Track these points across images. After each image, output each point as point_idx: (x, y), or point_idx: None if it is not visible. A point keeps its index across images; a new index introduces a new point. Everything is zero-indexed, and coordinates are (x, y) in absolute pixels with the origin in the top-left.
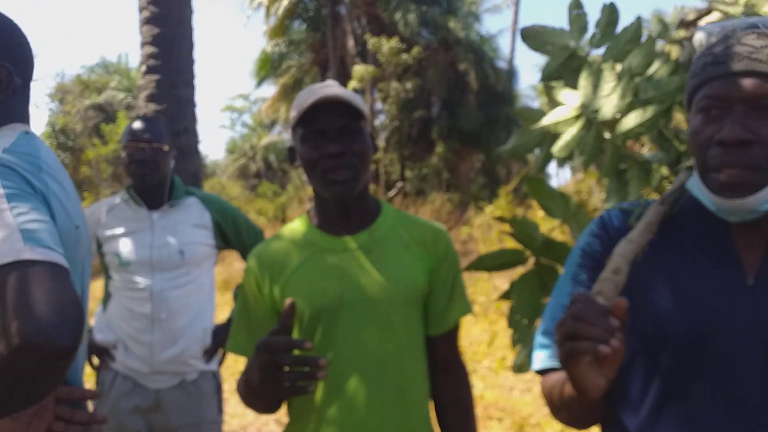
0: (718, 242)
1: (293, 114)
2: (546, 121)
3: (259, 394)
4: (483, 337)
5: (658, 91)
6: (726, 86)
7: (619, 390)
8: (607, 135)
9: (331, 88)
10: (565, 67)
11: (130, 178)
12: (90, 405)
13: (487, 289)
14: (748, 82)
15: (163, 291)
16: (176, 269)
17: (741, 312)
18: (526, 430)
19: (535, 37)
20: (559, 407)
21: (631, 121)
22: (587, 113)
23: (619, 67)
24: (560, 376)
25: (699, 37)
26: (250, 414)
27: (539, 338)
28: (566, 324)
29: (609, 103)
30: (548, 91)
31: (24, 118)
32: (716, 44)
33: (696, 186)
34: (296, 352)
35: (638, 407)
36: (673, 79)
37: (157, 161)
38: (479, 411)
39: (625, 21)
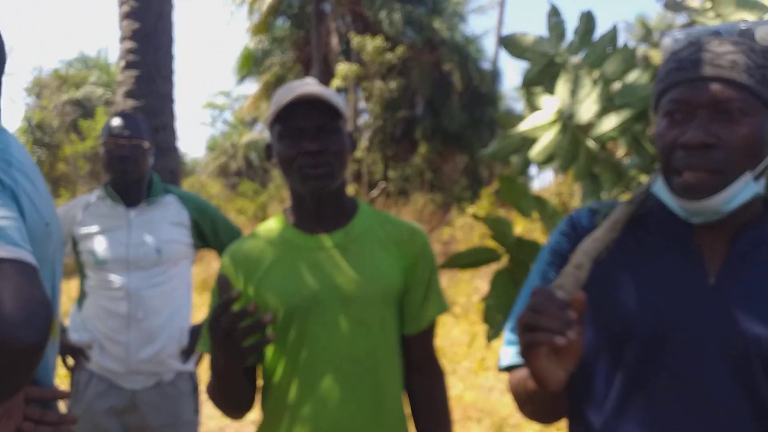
0: (681, 242)
1: (271, 110)
2: (524, 126)
3: (226, 380)
4: (463, 338)
5: (633, 97)
6: (689, 91)
7: (584, 386)
8: (583, 139)
9: (309, 86)
10: (544, 73)
11: (109, 175)
12: (63, 406)
13: (468, 290)
14: (710, 87)
15: (139, 290)
16: (153, 268)
17: (702, 311)
18: (505, 431)
19: (515, 45)
20: (524, 401)
21: (605, 125)
22: (563, 118)
23: (596, 73)
24: (526, 371)
25: (666, 43)
26: (218, 420)
27: (507, 335)
28: (525, 316)
29: (584, 108)
30: (528, 97)
31: None
32: (681, 50)
33: (661, 188)
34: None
35: (602, 403)
36: (647, 84)
37: (137, 158)
38: (459, 412)
39: (609, 25)
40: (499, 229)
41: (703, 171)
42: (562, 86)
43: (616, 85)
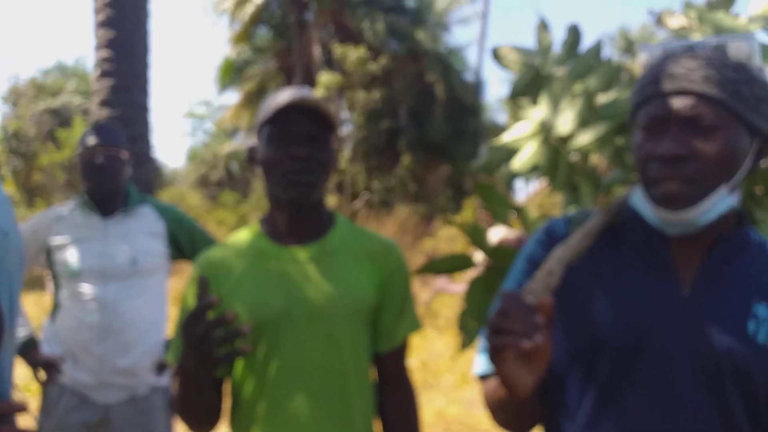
0: (656, 253)
1: (264, 111)
2: (507, 137)
3: (193, 388)
4: (446, 351)
5: (614, 110)
6: (664, 105)
7: (557, 397)
8: (563, 151)
9: (304, 92)
10: (531, 85)
11: (86, 185)
12: (27, 421)
13: (451, 303)
14: (683, 101)
15: (114, 301)
16: (128, 279)
17: (675, 322)
18: None
19: (505, 57)
20: (496, 409)
21: (584, 137)
22: (544, 129)
23: (580, 86)
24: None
25: (642, 57)
26: None
27: (482, 342)
28: (493, 319)
29: (564, 120)
30: (513, 109)
31: None
32: (656, 65)
33: (638, 199)
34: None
35: (575, 414)
36: (627, 99)
37: (114, 168)
38: (441, 426)
39: (591, 37)
40: (475, 236)
41: (679, 182)
42: (545, 98)
43: (600, 99)
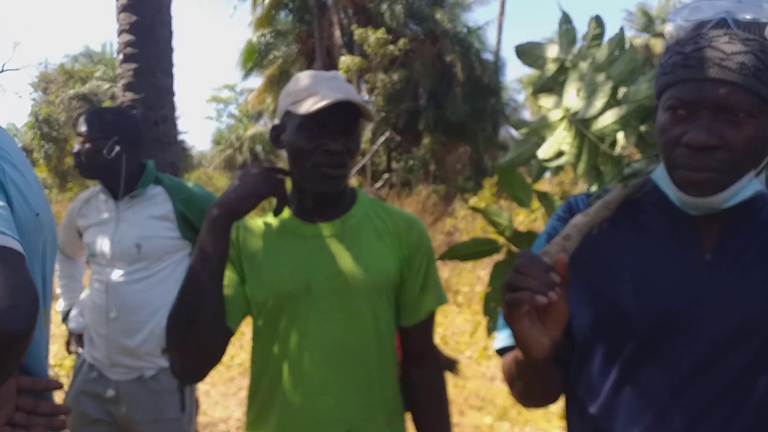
0: (677, 221)
1: (295, 98)
2: (533, 125)
3: (215, 240)
4: (466, 327)
5: (636, 96)
6: (695, 91)
7: (580, 371)
8: (587, 134)
9: (341, 84)
10: (555, 79)
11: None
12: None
13: (471, 280)
14: (717, 90)
15: (118, 285)
16: (133, 263)
17: (701, 287)
18: (507, 419)
19: (528, 53)
20: (513, 379)
21: (608, 118)
22: (569, 115)
23: (603, 76)
24: (516, 349)
25: (669, 30)
26: (222, 410)
27: (500, 318)
28: (508, 277)
29: (588, 103)
30: (537, 105)
31: None
32: (687, 41)
33: (661, 177)
34: None
35: (598, 390)
36: (650, 85)
37: (88, 155)
38: (460, 400)
39: (610, 13)
40: (496, 220)
41: (706, 170)
42: (569, 86)
43: (623, 89)
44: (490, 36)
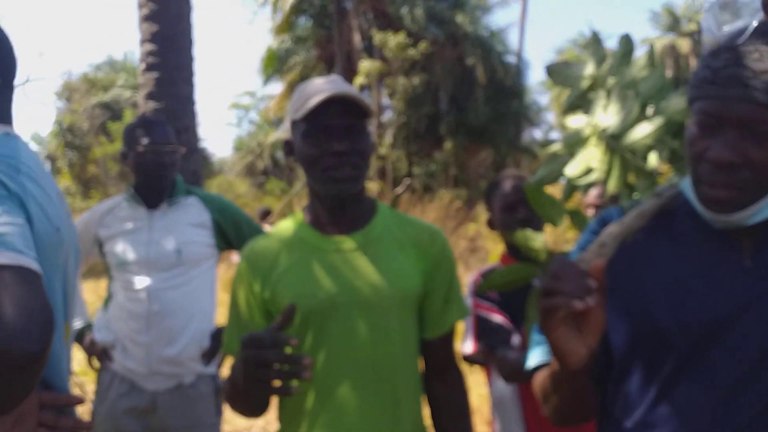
0: (713, 231)
1: (296, 107)
2: (561, 143)
3: (242, 394)
4: None
5: (667, 112)
6: (721, 108)
7: (617, 387)
8: (618, 149)
9: (336, 83)
10: (584, 97)
11: (143, 179)
12: (89, 406)
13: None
14: (741, 108)
15: (159, 291)
16: (173, 269)
17: (741, 295)
18: None
19: (559, 72)
20: (549, 394)
21: (639, 132)
22: (598, 131)
23: (632, 93)
24: (550, 366)
25: (705, 40)
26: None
27: (534, 336)
28: (545, 283)
29: (618, 119)
30: (565, 123)
31: (5, 119)
32: (718, 54)
33: (688, 188)
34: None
35: (634, 407)
36: (681, 99)
37: (175, 164)
38: (476, 416)
39: (634, 13)
40: (530, 245)
41: (727, 188)
42: (598, 103)
43: (650, 108)
44: (512, 38)
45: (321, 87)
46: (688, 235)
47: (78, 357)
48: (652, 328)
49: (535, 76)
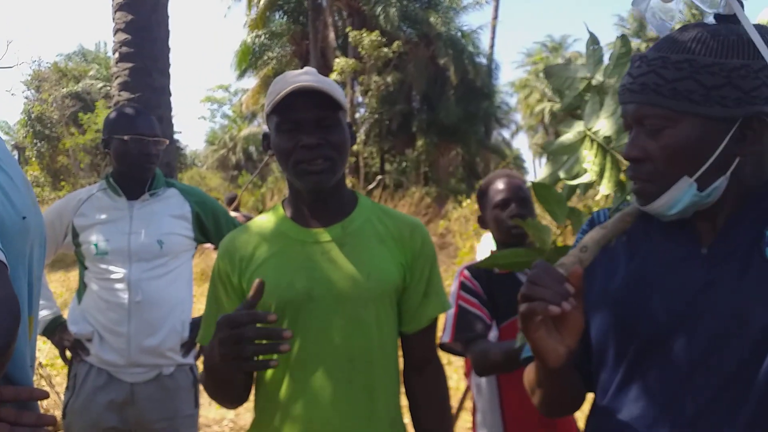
0: (678, 224)
1: (268, 101)
2: (554, 145)
3: (221, 380)
4: None
5: None
6: (624, 110)
7: (596, 377)
8: (609, 151)
9: (308, 75)
10: (581, 98)
11: (127, 169)
12: (60, 397)
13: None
14: (629, 109)
15: (140, 281)
16: (154, 259)
17: (695, 282)
18: None
19: (557, 75)
20: (534, 387)
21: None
22: (590, 134)
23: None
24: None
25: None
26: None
27: None
28: (524, 287)
29: (608, 123)
30: (559, 128)
31: None
32: (633, 63)
33: None
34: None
35: (606, 389)
36: None
37: (159, 156)
38: (455, 402)
39: (602, 18)
40: (538, 235)
41: (638, 180)
42: (590, 105)
43: None
44: (484, 40)
45: (292, 79)
46: (656, 231)
47: (45, 349)
48: (619, 318)
49: (505, 77)
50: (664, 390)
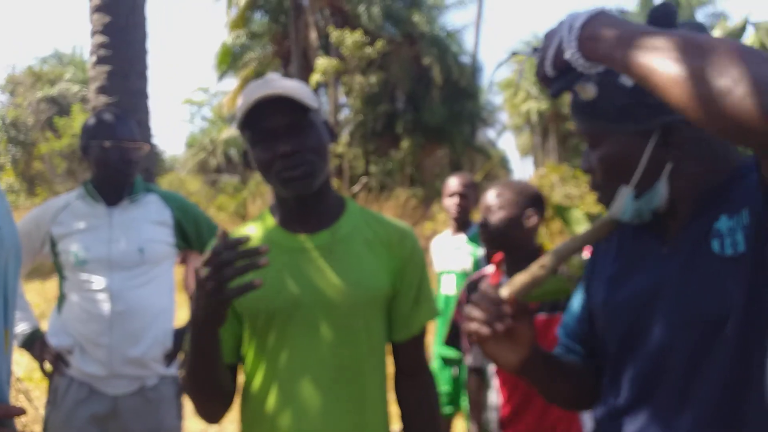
0: (647, 225)
1: (238, 115)
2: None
3: (203, 346)
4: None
5: None
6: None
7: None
8: None
9: (272, 82)
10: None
11: (107, 175)
12: (39, 412)
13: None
14: (584, 126)
15: (122, 290)
16: (135, 268)
17: (656, 280)
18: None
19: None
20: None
21: None
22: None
23: None
24: None
25: None
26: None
27: None
28: (466, 308)
29: None
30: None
31: None
32: None
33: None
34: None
35: (600, 380)
36: None
37: (139, 161)
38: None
39: None
40: (572, 225)
41: (595, 190)
42: None
43: None
44: (468, 39)
45: (256, 90)
46: (632, 233)
47: (23, 363)
48: (600, 317)
49: (490, 77)
50: (638, 377)
